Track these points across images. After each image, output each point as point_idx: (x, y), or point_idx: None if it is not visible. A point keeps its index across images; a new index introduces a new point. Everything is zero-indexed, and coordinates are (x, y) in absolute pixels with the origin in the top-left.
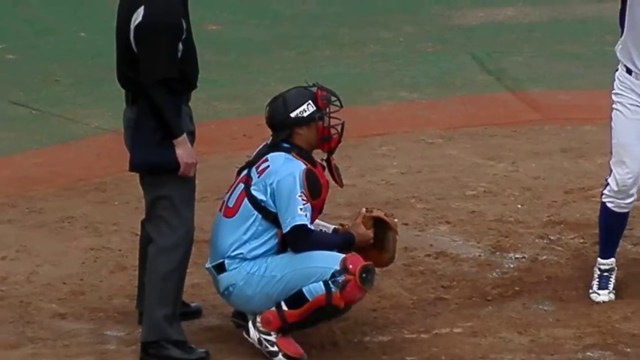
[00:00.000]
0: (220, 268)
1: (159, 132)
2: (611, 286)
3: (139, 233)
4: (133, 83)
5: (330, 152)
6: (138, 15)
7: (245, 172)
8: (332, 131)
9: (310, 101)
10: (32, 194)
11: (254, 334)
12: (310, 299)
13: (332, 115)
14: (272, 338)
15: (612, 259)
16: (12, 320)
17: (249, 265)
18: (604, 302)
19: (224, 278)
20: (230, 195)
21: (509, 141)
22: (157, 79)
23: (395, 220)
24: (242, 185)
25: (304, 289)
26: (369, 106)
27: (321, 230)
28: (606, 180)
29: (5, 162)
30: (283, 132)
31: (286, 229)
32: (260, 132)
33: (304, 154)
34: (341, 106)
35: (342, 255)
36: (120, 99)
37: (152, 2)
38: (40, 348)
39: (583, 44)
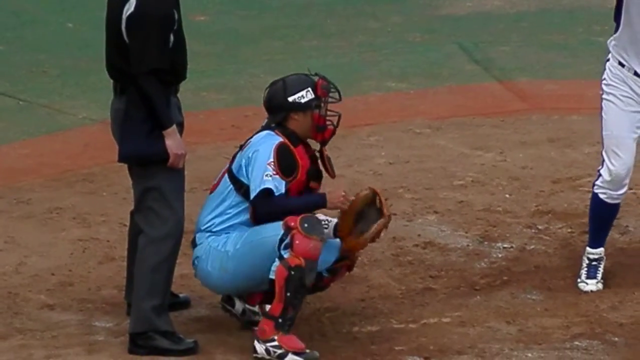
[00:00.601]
0: (194, 243)
1: (148, 123)
2: (599, 276)
3: (127, 224)
4: (122, 73)
5: (324, 143)
6: (130, 6)
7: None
8: (327, 122)
9: (310, 88)
10: (19, 184)
11: (260, 348)
12: (274, 277)
13: (329, 106)
14: (276, 342)
15: (601, 249)
16: (0, 312)
17: (211, 239)
18: (592, 291)
19: (194, 252)
20: (219, 174)
21: (497, 131)
22: (147, 69)
23: (391, 214)
24: (227, 164)
25: (270, 275)
26: (357, 96)
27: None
28: (598, 171)
29: None
30: (278, 114)
31: (252, 195)
32: (248, 122)
33: (288, 133)
34: (340, 99)
35: (282, 222)
36: (108, 89)
37: None
38: (28, 339)
39: (570, 34)
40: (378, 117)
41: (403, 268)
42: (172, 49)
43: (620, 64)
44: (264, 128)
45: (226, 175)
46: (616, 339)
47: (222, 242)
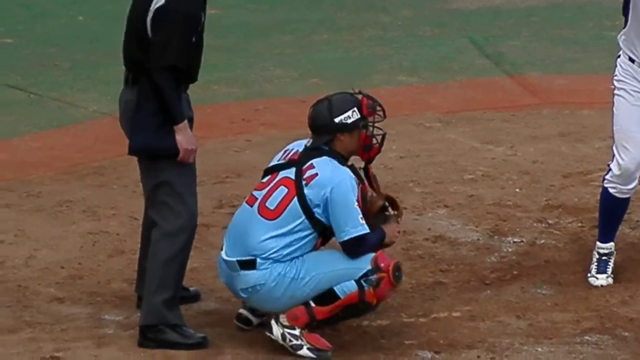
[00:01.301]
0: (248, 265)
1: (159, 116)
2: (610, 270)
3: (137, 217)
4: (138, 65)
5: (369, 161)
6: (160, 0)
7: (285, 173)
8: (374, 141)
9: (355, 108)
10: (30, 178)
11: (277, 330)
12: (342, 297)
13: (375, 125)
14: (297, 332)
15: (611, 243)
16: (10, 305)
17: (280, 267)
18: (602, 286)
19: (252, 276)
20: (271, 196)
21: (507, 125)
22: (166, 65)
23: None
24: (285, 189)
25: (335, 288)
26: (368, 90)
27: None
28: (608, 165)
29: (3, 146)
30: (325, 136)
31: (346, 237)
32: (259, 116)
33: (339, 159)
34: (385, 117)
35: (372, 255)
36: (118, 82)
37: None
38: (38, 332)
39: (581, 29)
40: (388, 111)
41: (413, 262)
42: (192, 50)
43: (631, 59)
44: (313, 149)
45: (295, 203)
46: (626, 333)
47: (293, 270)
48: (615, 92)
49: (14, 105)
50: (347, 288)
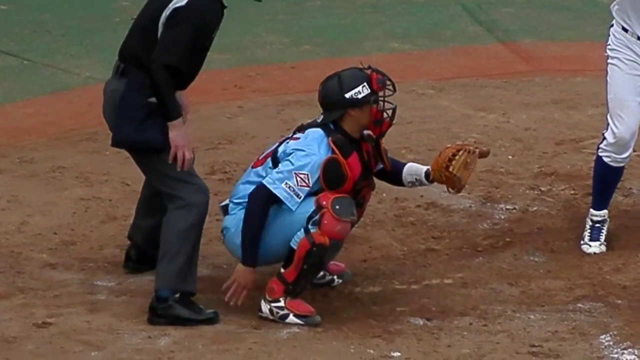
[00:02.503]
0: (225, 209)
1: (143, 109)
2: (603, 238)
3: (129, 183)
4: (133, 59)
5: (381, 136)
6: (180, 0)
7: (287, 136)
8: (384, 115)
9: (365, 83)
10: (23, 144)
11: (264, 307)
12: (296, 247)
13: (385, 100)
14: (281, 303)
15: (605, 211)
16: (3, 270)
17: (243, 213)
18: (595, 253)
19: (224, 220)
20: (264, 151)
21: (500, 92)
22: (167, 63)
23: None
24: (276, 144)
25: (291, 243)
26: (360, 57)
27: (414, 177)
28: (602, 134)
29: None
30: (335, 112)
31: (265, 181)
32: (251, 82)
33: (342, 143)
34: (394, 91)
35: (314, 198)
36: (112, 49)
37: None
38: (30, 298)
39: None
40: None
41: (405, 229)
42: (195, 57)
43: (624, 29)
44: (320, 125)
45: (270, 157)
46: (619, 301)
47: None
48: (609, 61)
49: (7, 71)
50: (297, 238)
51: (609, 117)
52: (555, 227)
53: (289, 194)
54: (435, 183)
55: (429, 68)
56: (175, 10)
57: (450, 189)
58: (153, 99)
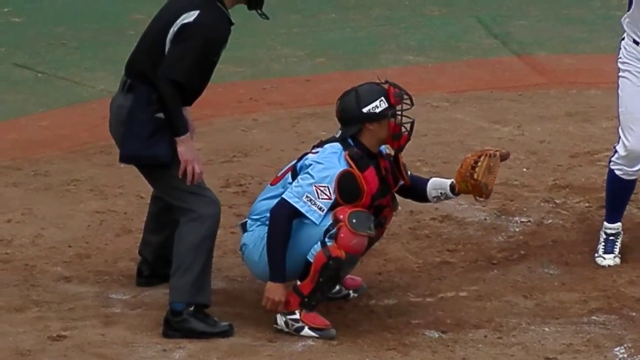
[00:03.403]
0: (244, 226)
1: (149, 125)
2: (617, 250)
3: (144, 196)
4: (140, 75)
5: (399, 150)
6: (190, 16)
7: (306, 152)
8: (402, 129)
9: (382, 97)
10: (37, 157)
11: (280, 319)
12: (312, 260)
13: (403, 113)
14: (297, 316)
15: (619, 224)
16: (17, 283)
17: (263, 230)
18: (609, 266)
19: (243, 237)
20: (282, 168)
21: (515, 105)
22: (173, 79)
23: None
24: (294, 161)
25: (307, 256)
26: (375, 70)
27: (439, 192)
28: (614, 147)
29: (11, 125)
30: (353, 126)
31: (285, 196)
32: (265, 95)
33: (359, 157)
34: (412, 104)
35: (332, 212)
36: (126, 61)
37: (207, 12)
38: (45, 311)
39: (588, 8)
40: None
41: (420, 242)
42: (202, 73)
43: (635, 41)
44: (338, 139)
45: (289, 173)
46: (633, 313)
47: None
48: (620, 74)
49: (22, 84)
50: (314, 250)
51: (620, 130)
52: (569, 240)
53: (310, 207)
54: (462, 195)
55: (444, 81)
56: (183, 26)
57: (478, 197)
58: (160, 115)
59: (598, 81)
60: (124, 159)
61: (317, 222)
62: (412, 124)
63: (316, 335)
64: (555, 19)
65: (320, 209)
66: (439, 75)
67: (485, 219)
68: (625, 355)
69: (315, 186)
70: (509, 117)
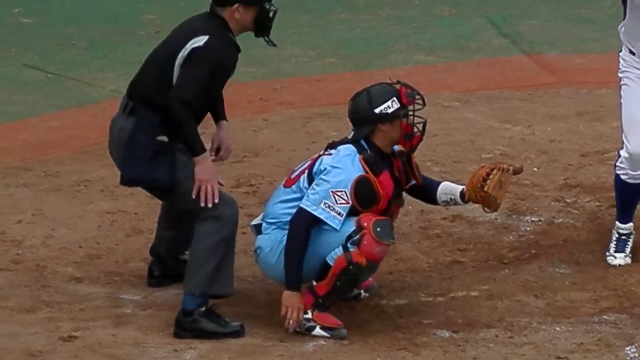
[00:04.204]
0: (258, 229)
1: (151, 148)
2: (628, 249)
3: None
4: (145, 97)
5: (412, 150)
6: (199, 41)
7: (318, 154)
8: (414, 129)
9: (394, 98)
10: (48, 157)
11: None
12: (332, 264)
13: (415, 113)
14: (309, 316)
15: (631, 224)
16: (28, 284)
17: (280, 234)
18: (620, 265)
19: (257, 239)
20: (296, 169)
21: (525, 104)
22: (183, 99)
23: (508, 167)
24: (308, 162)
25: (327, 258)
26: (385, 70)
27: (448, 197)
28: (618, 152)
29: (21, 126)
30: (366, 127)
31: (304, 204)
32: (276, 95)
33: (373, 160)
34: (424, 104)
35: (355, 218)
36: (136, 62)
37: (217, 38)
38: (56, 312)
39: (599, 8)
40: None
41: (431, 241)
42: (207, 99)
43: (631, 52)
44: (351, 141)
45: (305, 175)
46: None
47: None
48: (621, 83)
49: (32, 85)
50: (335, 254)
51: (623, 135)
52: (580, 239)
53: (329, 213)
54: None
55: (454, 80)
56: (193, 50)
57: (486, 209)
58: (161, 138)
59: (608, 80)
60: (126, 182)
61: (338, 228)
62: (424, 124)
63: (327, 335)
64: (566, 19)
65: (339, 214)
66: (449, 75)
67: (496, 219)
68: (637, 355)
69: (332, 192)
70: (519, 116)
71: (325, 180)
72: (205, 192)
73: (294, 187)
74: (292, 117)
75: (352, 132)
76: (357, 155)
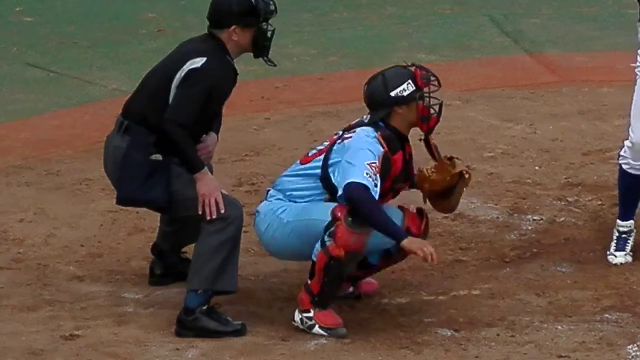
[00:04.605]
0: (267, 194)
1: (146, 168)
2: (629, 248)
3: None
4: (140, 117)
5: (429, 132)
6: (196, 63)
7: (337, 135)
8: (431, 111)
9: (410, 81)
10: (49, 156)
11: (297, 316)
12: (315, 260)
13: (431, 95)
14: (311, 314)
15: (632, 221)
16: (30, 283)
17: (278, 205)
18: (620, 264)
19: (260, 205)
20: (314, 148)
21: (527, 103)
22: (180, 122)
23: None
24: (327, 143)
25: (312, 256)
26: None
27: None
28: (623, 141)
29: (23, 124)
30: (382, 111)
31: (344, 182)
32: (278, 94)
33: (390, 139)
34: (440, 86)
35: (333, 205)
36: (138, 61)
37: (215, 60)
38: (58, 311)
39: (600, 6)
40: None
41: (433, 240)
42: (202, 121)
43: None
44: (368, 123)
45: (323, 157)
46: None
47: (282, 209)
48: (636, 77)
49: (34, 83)
50: (316, 250)
51: (631, 121)
52: (582, 238)
53: (370, 182)
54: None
55: (456, 79)
56: (190, 72)
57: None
58: (156, 157)
59: (610, 79)
60: (121, 202)
61: (377, 198)
62: (441, 105)
63: (326, 334)
64: (568, 17)
65: (376, 185)
66: (451, 74)
67: (497, 218)
68: (639, 353)
69: (367, 164)
70: (521, 115)
71: (356, 156)
72: (210, 205)
73: (311, 164)
74: (294, 116)
75: (369, 116)
76: (376, 133)
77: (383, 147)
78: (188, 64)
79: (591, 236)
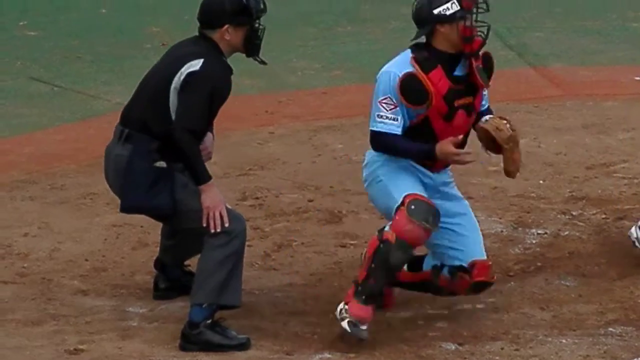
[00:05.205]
0: None
1: (149, 175)
2: None
3: None
4: (140, 123)
5: (472, 54)
6: (194, 65)
7: None
8: (479, 33)
9: (455, 0)
10: (54, 170)
11: (338, 307)
12: (368, 245)
13: (478, 18)
14: (348, 307)
15: None
16: (34, 297)
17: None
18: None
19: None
20: None
21: (531, 117)
22: (187, 127)
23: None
24: None
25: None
26: None
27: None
28: None
29: (27, 139)
30: (425, 27)
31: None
32: (282, 108)
33: (425, 57)
34: (488, 9)
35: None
36: (141, 75)
37: (211, 60)
38: (62, 325)
39: (604, 20)
40: None
41: None
42: (210, 118)
43: None
44: (412, 45)
45: None
46: None
47: (378, 164)
48: None
49: (38, 98)
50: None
51: None
52: (586, 252)
53: (385, 123)
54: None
55: None
56: (190, 75)
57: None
58: (160, 164)
59: (614, 93)
60: (126, 210)
61: (400, 132)
62: (489, 28)
63: (348, 329)
64: (571, 31)
65: (394, 119)
66: None
67: (501, 231)
68: None
69: (378, 103)
70: (525, 129)
71: (374, 95)
72: (214, 218)
73: None
74: (298, 129)
75: (416, 34)
76: (410, 55)
77: (415, 69)
78: (185, 66)
79: (595, 250)
